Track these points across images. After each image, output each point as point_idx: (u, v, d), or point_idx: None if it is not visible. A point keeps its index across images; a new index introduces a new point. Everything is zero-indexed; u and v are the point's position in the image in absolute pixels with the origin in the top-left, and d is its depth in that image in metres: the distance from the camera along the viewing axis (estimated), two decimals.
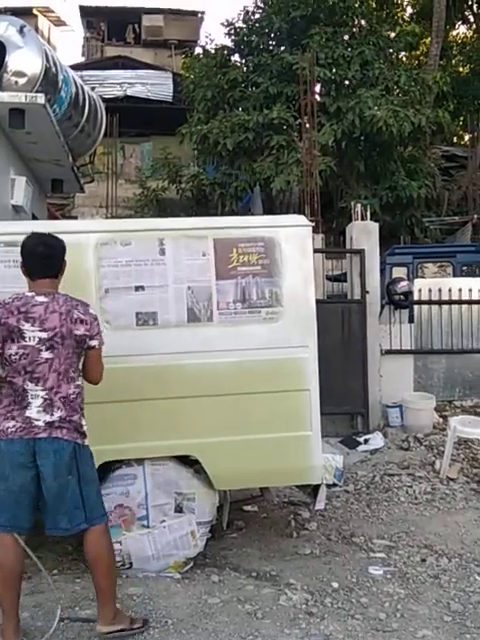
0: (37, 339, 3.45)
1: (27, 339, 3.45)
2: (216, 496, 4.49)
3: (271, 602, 4.00)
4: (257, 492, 5.34)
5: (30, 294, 3.54)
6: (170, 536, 4.35)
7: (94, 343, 3.59)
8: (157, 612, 3.86)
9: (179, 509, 4.38)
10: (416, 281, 9.58)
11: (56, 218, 13.39)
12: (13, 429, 3.42)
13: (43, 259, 3.59)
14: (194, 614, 3.85)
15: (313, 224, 5.05)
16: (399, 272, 10.44)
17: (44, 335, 3.46)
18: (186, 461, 4.48)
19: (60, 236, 3.71)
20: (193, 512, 4.39)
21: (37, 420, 3.44)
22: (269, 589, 4.19)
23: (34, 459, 3.43)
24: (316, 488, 4.74)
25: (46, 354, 3.46)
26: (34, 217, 8.97)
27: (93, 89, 12.28)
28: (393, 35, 16.09)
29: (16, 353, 3.44)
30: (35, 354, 3.45)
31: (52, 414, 3.45)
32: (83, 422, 3.59)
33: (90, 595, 4.01)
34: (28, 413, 3.44)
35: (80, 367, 3.62)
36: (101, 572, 3.58)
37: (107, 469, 4.32)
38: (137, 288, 4.41)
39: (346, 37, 14.86)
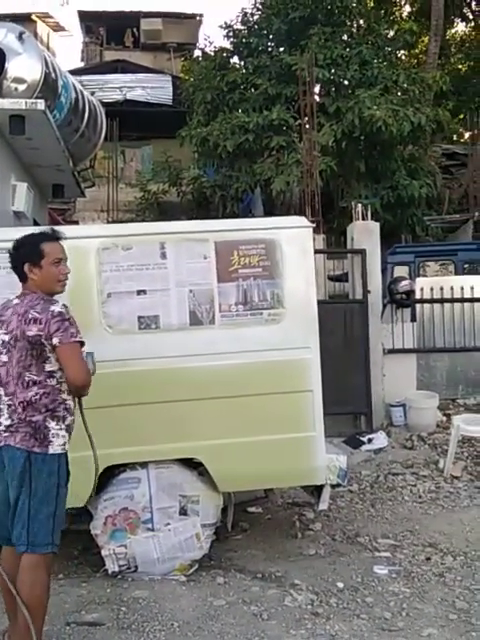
0: (1, 342, 3.37)
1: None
2: (220, 498, 4.51)
3: (276, 603, 4.02)
4: (261, 493, 5.35)
5: (12, 297, 3.48)
6: (175, 539, 4.36)
7: (55, 341, 3.27)
8: (163, 615, 3.87)
9: (184, 512, 4.40)
10: (418, 280, 9.58)
11: (58, 223, 13.41)
12: None
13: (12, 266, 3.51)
14: (200, 616, 3.87)
15: (314, 225, 5.07)
16: (401, 271, 10.42)
17: (6, 338, 3.36)
18: (190, 464, 4.49)
19: (67, 242, 3.68)
20: (198, 514, 4.41)
21: (0, 425, 3.33)
22: (274, 590, 4.21)
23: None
24: (320, 488, 4.74)
25: (3, 357, 3.36)
26: (35, 223, 8.98)
27: (93, 94, 12.29)
28: (391, 34, 16.06)
29: None
30: (2, 358, 3.37)
31: (11, 418, 3.31)
32: (50, 424, 3.31)
33: (96, 599, 4.04)
34: None
35: (48, 369, 3.34)
36: (18, 603, 3.22)
37: (111, 473, 4.34)
38: (139, 292, 4.43)
39: (345, 37, 14.85)
